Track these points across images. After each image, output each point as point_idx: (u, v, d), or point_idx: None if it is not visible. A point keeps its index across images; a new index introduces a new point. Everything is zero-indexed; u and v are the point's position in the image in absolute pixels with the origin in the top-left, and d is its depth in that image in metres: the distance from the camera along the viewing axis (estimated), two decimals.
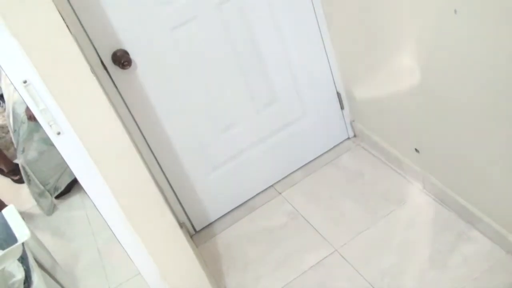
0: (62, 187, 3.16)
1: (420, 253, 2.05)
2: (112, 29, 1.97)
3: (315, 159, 2.72)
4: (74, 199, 3.19)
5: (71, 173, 3.06)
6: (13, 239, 2.18)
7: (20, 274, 2.06)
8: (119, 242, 1.80)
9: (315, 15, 2.35)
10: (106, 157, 1.60)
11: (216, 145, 2.41)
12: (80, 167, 1.61)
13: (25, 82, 1.45)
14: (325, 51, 2.46)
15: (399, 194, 2.33)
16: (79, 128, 1.53)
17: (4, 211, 2.26)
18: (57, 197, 3.17)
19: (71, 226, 3.01)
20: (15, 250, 2.00)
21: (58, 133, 1.54)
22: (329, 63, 2.50)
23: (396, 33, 1.91)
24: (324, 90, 2.57)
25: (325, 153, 2.73)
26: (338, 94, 2.61)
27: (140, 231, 1.77)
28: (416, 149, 2.22)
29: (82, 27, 1.92)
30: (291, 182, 2.65)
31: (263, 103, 2.44)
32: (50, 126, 1.53)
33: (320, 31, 2.40)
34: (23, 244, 2.07)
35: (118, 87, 2.07)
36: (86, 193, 3.04)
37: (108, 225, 1.75)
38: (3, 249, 2.11)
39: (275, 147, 2.59)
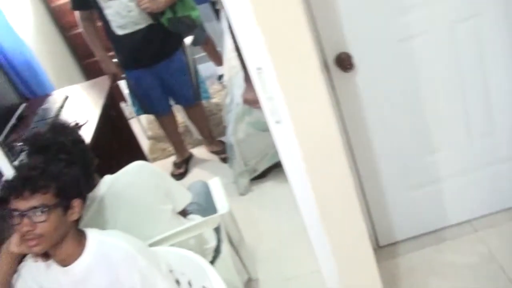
0: (260, 171, 3.32)
1: None
2: (341, 31, 2.00)
3: None
4: (268, 185, 3.33)
5: (270, 159, 3.26)
6: (213, 209, 2.36)
7: (213, 242, 2.23)
8: (308, 235, 1.84)
9: None
10: (315, 153, 1.64)
11: (418, 166, 2.32)
12: (289, 157, 1.68)
13: (259, 68, 1.55)
14: None
15: None
16: (297, 121, 1.59)
17: (210, 182, 2.46)
18: (253, 179, 3.35)
19: (261, 210, 3.16)
20: (214, 219, 2.17)
21: (277, 122, 1.62)
22: None
23: None
24: None
25: None
26: None
27: (330, 231, 1.79)
28: None
29: (314, 25, 1.98)
30: (491, 222, 2.43)
31: (478, 133, 2.27)
32: (272, 113, 1.61)
33: None
34: (221, 216, 2.24)
35: (336, 89, 2.11)
36: (280, 181, 3.18)
37: (302, 217, 1.80)
38: (202, 215, 2.31)
39: (480, 181, 2.40)
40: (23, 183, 1.49)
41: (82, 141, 1.92)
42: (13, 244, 1.61)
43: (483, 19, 2.03)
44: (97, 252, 1.60)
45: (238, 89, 3.22)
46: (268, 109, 1.61)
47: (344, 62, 2.02)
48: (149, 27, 3.11)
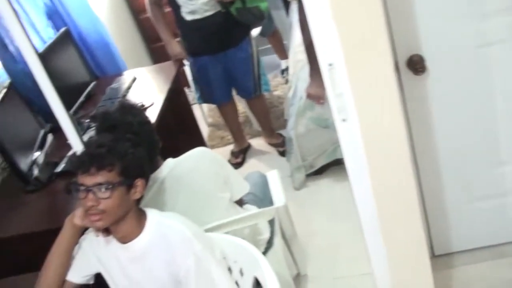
0: (317, 167, 3.31)
1: None
2: (416, 32, 1.95)
3: None
4: (323, 182, 3.31)
5: (328, 156, 3.23)
6: (268, 201, 2.37)
7: (266, 234, 2.24)
8: (363, 237, 1.82)
9: None
10: (380, 154, 1.62)
11: (485, 177, 2.24)
12: (353, 156, 1.66)
13: (330, 64, 1.53)
14: None
15: None
16: (365, 120, 1.57)
17: (268, 174, 2.46)
18: (309, 175, 3.33)
19: (315, 207, 3.14)
20: (270, 211, 2.18)
21: (343, 120, 1.61)
22: None
23: None
24: None
25: None
26: None
27: (387, 234, 1.77)
28: None
29: (389, 24, 1.94)
30: None
31: None
32: (339, 111, 1.60)
33: None
34: (277, 208, 2.24)
35: (404, 91, 2.06)
36: (336, 179, 3.15)
37: (359, 218, 1.78)
38: (257, 206, 2.32)
39: None
40: (91, 159, 1.54)
41: (149, 123, 1.97)
42: (77, 217, 1.67)
43: None
44: (156, 232, 1.64)
45: (302, 83, 3.21)
46: (336, 106, 1.60)
47: (416, 65, 1.97)
48: (218, 15, 3.13)
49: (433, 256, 2.45)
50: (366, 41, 1.48)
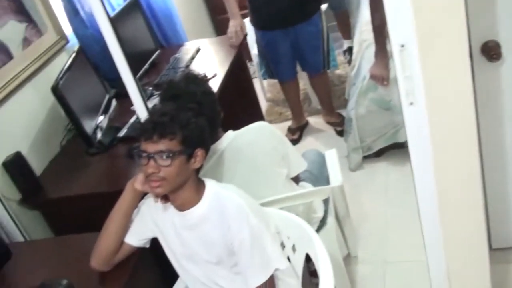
0: (375, 150, 3.26)
1: None
2: (494, 17, 1.87)
3: None
4: (380, 165, 3.26)
5: (387, 139, 3.17)
6: (324, 180, 2.36)
7: (320, 213, 2.23)
8: (420, 223, 1.78)
9: None
10: (447, 141, 1.57)
11: None
12: (417, 141, 1.61)
13: (402, 45, 1.49)
14: None
15: None
16: (433, 104, 1.52)
17: (326, 152, 2.45)
18: (366, 157, 3.29)
19: (369, 189, 3.11)
20: (326, 190, 2.17)
21: (411, 103, 1.56)
22: None
23: None
24: None
25: None
26: None
27: (446, 223, 1.72)
28: None
29: (466, 7, 1.86)
30: None
31: None
32: (407, 94, 1.55)
33: None
34: (332, 188, 2.23)
35: (475, 78, 1.98)
36: (394, 163, 3.10)
37: (418, 203, 1.73)
38: (313, 184, 2.31)
39: None
40: (154, 127, 1.57)
41: (212, 93, 1.98)
42: (138, 182, 1.71)
43: None
44: (213, 202, 1.66)
45: (366, 63, 3.15)
46: (404, 89, 1.55)
47: (491, 51, 1.89)
48: None
49: (490, 249, 2.38)
50: (442, 24, 1.43)
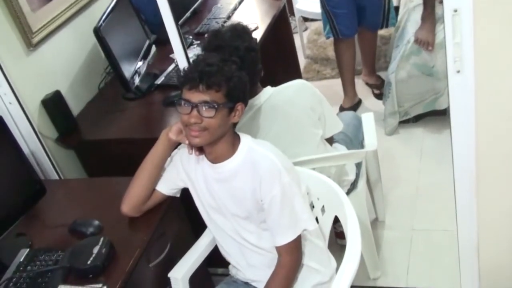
0: (411, 115, 3.20)
1: None
2: None
3: None
4: (416, 131, 3.21)
5: (426, 106, 3.10)
6: (358, 143, 2.33)
7: (352, 176, 2.21)
8: (454, 192, 1.75)
9: None
10: (492, 113, 1.53)
11: None
12: (461, 110, 1.57)
13: (455, 10, 1.43)
14: None
15: None
16: (482, 75, 1.47)
17: (363, 115, 2.40)
18: (402, 122, 3.23)
19: (403, 155, 3.07)
20: (360, 154, 2.14)
21: (458, 71, 1.51)
22: None
23: None
24: None
25: None
26: None
27: (481, 195, 1.69)
28: None
29: None
30: None
31: None
32: (454, 61, 1.50)
33: None
34: (367, 152, 2.20)
35: None
36: (430, 131, 3.04)
37: (454, 173, 1.70)
38: (347, 147, 2.29)
39: None
40: (201, 76, 1.54)
41: (255, 50, 1.94)
42: (173, 132, 1.71)
43: None
44: (247, 157, 1.66)
45: (412, 25, 3.05)
46: (452, 55, 1.50)
47: None
48: None
49: None
50: None
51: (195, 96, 1.54)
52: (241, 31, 1.92)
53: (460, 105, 1.56)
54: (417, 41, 2.93)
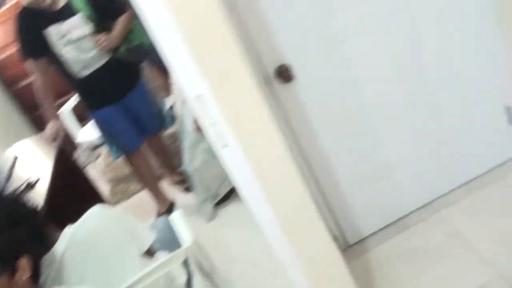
0: (222, 194, 3.34)
1: None
2: (278, 44, 2.05)
3: (477, 177, 2.57)
4: (232, 207, 3.34)
5: (230, 182, 3.25)
6: (177, 243, 2.33)
7: (183, 277, 2.19)
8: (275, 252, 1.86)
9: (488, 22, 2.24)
10: (266, 169, 1.67)
11: (371, 162, 2.39)
12: (242, 178, 1.70)
13: (198, 96, 1.57)
14: (497, 61, 2.33)
15: None
16: (244, 142, 1.61)
17: (171, 216, 2.42)
18: (217, 204, 3.35)
19: (229, 233, 3.15)
20: (178, 255, 2.13)
21: (224, 146, 1.64)
22: (499, 74, 2.35)
23: None
24: (490, 103, 2.43)
25: (489, 171, 2.57)
26: (508, 108, 2.44)
27: (294, 242, 1.81)
28: None
29: (251, 40, 2.01)
30: (450, 200, 2.52)
31: (422, 117, 2.37)
32: (218, 139, 1.63)
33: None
34: (186, 249, 2.20)
35: (281, 100, 2.14)
36: (241, 201, 3.17)
37: (266, 236, 1.81)
38: (170, 251, 2.28)
39: (434, 163, 2.49)
40: None
41: (32, 209, 1.83)
42: None
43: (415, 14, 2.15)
44: None
45: (187, 118, 3.23)
46: (214, 134, 1.63)
47: (284, 74, 2.07)
48: (108, 63, 3.09)
49: (348, 247, 2.55)
50: (223, 66, 1.53)
51: None
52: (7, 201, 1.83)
53: (239, 173, 1.69)
54: (197, 129, 3.10)
